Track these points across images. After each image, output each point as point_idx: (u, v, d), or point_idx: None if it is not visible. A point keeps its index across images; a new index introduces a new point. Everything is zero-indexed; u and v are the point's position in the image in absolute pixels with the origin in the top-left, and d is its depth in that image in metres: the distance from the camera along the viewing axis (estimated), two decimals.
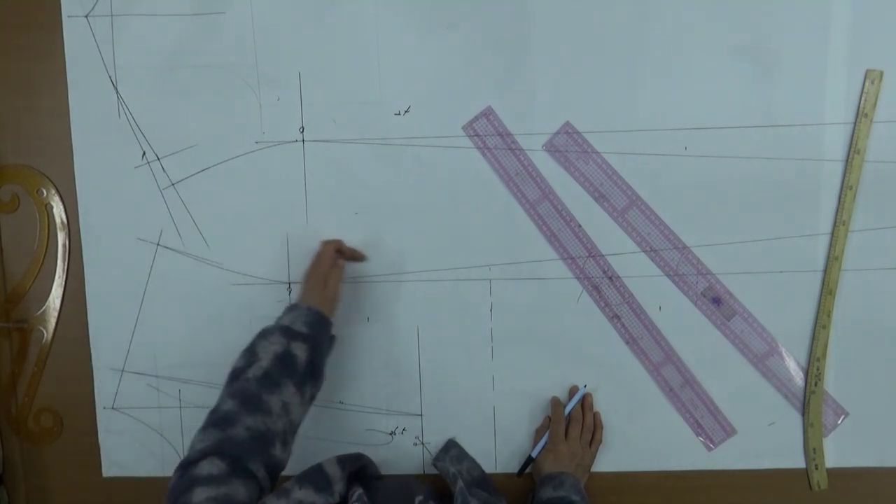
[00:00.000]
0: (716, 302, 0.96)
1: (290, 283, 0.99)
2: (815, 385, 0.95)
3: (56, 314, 1.02)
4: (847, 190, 0.93)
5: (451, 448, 0.98)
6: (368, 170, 0.97)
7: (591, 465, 0.96)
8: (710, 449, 0.98)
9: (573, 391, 0.97)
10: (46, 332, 1.02)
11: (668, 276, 0.96)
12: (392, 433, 1.00)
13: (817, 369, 0.95)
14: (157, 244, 1.00)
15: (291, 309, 0.85)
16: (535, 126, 0.96)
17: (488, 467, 0.99)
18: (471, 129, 0.96)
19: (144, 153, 0.99)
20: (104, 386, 1.02)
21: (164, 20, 0.97)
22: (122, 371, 1.02)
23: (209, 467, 0.67)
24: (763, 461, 0.98)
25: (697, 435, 0.98)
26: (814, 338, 0.95)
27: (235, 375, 0.78)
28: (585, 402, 0.97)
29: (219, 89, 0.97)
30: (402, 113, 0.96)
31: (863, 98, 0.92)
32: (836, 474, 0.97)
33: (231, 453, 0.69)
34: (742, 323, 0.96)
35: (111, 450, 1.03)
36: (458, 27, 0.95)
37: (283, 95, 0.97)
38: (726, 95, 0.93)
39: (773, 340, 0.96)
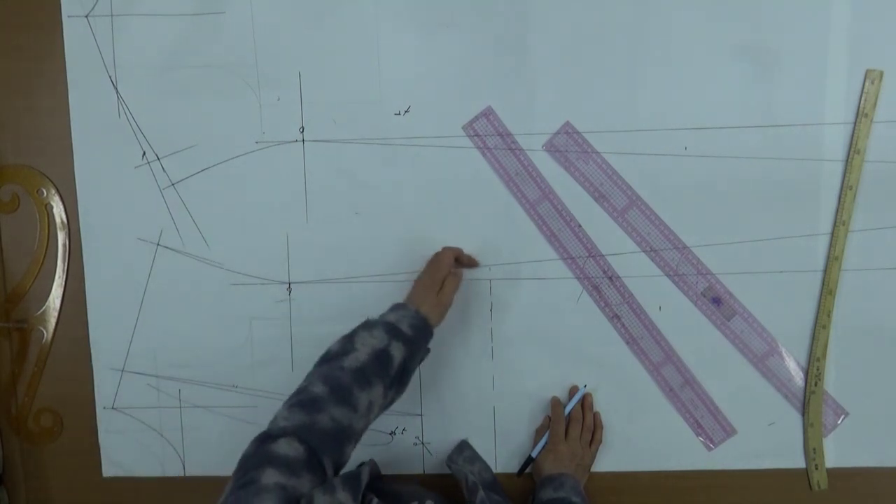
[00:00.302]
0: (716, 302, 0.96)
1: (290, 283, 0.99)
2: (815, 385, 0.95)
3: (56, 314, 1.02)
4: (847, 190, 0.93)
5: (465, 449, 0.98)
6: (368, 170, 0.97)
7: (591, 465, 0.96)
8: (710, 449, 0.98)
9: (573, 391, 0.97)
10: (46, 332, 1.02)
11: (668, 276, 0.96)
12: (392, 433, 1.00)
13: (817, 369, 0.95)
14: (157, 244, 1.00)
15: (399, 307, 0.84)
16: (535, 126, 0.96)
17: None
18: (471, 129, 0.96)
19: (144, 153, 0.99)
20: (104, 386, 1.02)
21: (164, 20, 0.97)
22: (122, 371, 1.02)
23: (287, 448, 0.67)
24: (763, 461, 0.98)
25: (697, 435, 0.98)
26: (814, 338, 0.95)
27: (328, 359, 0.77)
28: (585, 402, 0.97)
29: (219, 89, 0.97)
30: (402, 113, 0.96)
31: (863, 98, 0.92)
32: (836, 474, 0.97)
33: (311, 442, 0.68)
34: (742, 323, 0.96)
35: (111, 450, 1.03)
36: (459, 27, 0.95)
37: (283, 95, 0.97)
38: (726, 95, 0.93)
39: (773, 340, 0.96)
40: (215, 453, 1.02)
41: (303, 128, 0.97)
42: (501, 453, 1.00)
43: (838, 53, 0.92)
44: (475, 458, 0.98)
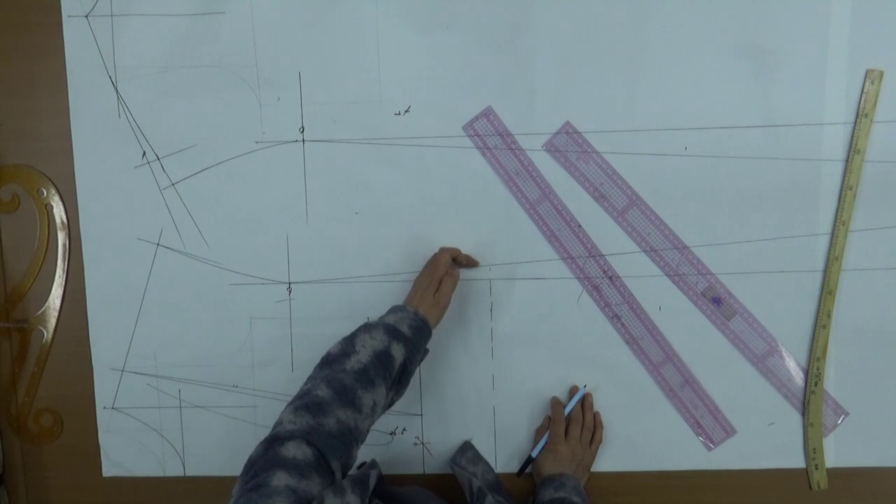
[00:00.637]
0: (716, 302, 0.96)
1: (289, 283, 0.99)
2: (815, 385, 0.95)
3: (56, 314, 1.02)
4: (847, 190, 0.93)
5: (468, 450, 0.98)
6: (368, 170, 0.97)
7: (591, 465, 0.96)
8: (710, 449, 0.98)
9: (573, 391, 0.97)
10: (46, 332, 1.02)
11: (668, 276, 0.96)
12: (392, 433, 1.00)
13: (817, 369, 0.95)
14: (157, 244, 1.00)
15: (398, 310, 0.85)
16: (535, 126, 0.96)
17: None
18: (471, 128, 0.96)
19: (144, 153, 0.99)
20: (104, 386, 1.02)
21: (164, 20, 0.97)
22: (122, 371, 1.02)
23: (295, 450, 0.67)
24: (763, 461, 0.98)
25: (697, 435, 0.98)
26: (814, 338, 0.95)
27: (329, 362, 0.78)
28: (585, 402, 0.97)
29: (219, 89, 0.97)
30: (402, 113, 0.96)
31: (863, 98, 0.92)
32: (836, 474, 0.97)
33: (318, 444, 0.69)
34: (742, 323, 0.96)
35: (111, 450, 1.03)
36: (459, 27, 0.95)
37: (283, 95, 0.97)
38: (726, 95, 0.93)
39: (773, 340, 0.96)
40: (215, 453, 1.02)
41: (303, 128, 0.97)
42: (501, 453, 1.00)
43: (838, 53, 0.92)
44: (478, 458, 0.98)
